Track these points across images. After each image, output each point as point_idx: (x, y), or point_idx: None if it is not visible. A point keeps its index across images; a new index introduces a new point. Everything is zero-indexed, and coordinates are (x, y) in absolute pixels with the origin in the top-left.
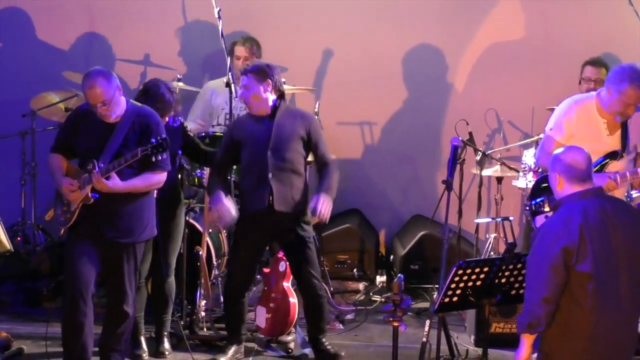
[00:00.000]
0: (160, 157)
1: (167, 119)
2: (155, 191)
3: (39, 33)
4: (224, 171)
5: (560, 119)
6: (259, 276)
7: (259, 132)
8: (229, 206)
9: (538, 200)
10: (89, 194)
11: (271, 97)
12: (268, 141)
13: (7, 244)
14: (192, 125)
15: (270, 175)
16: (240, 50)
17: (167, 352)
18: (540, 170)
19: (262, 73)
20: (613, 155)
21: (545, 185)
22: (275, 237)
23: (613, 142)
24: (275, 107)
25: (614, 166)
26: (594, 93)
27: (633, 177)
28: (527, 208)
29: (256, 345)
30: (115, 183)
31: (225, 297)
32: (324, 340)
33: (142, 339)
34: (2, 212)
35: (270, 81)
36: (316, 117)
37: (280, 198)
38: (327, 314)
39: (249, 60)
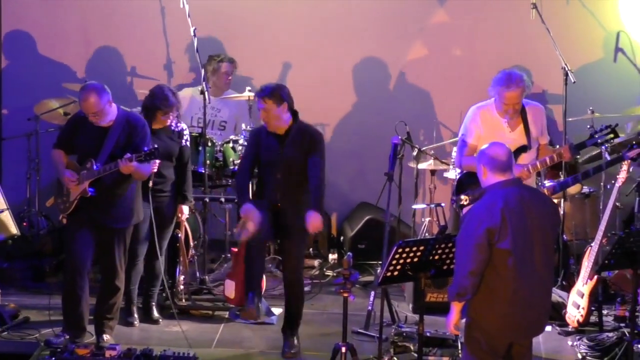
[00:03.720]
0: (154, 162)
1: (168, 122)
2: (151, 183)
3: (40, 49)
4: (247, 178)
5: (469, 125)
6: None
7: (273, 150)
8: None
9: (462, 195)
10: (87, 189)
11: (286, 117)
12: (279, 163)
13: (15, 229)
14: None
15: (278, 196)
16: (225, 67)
17: (160, 320)
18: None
19: (278, 97)
20: (523, 149)
21: (467, 181)
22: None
23: (517, 138)
24: (290, 126)
25: (522, 159)
26: (492, 99)
27: (542, 165)
28: (454, 202)
29: (228, 314)
30: (135, 165)
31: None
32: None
33: (134, 308)
34: (10, 201)
35: (286, 103)
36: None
37: (288, 212)
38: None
39: (231, 75)
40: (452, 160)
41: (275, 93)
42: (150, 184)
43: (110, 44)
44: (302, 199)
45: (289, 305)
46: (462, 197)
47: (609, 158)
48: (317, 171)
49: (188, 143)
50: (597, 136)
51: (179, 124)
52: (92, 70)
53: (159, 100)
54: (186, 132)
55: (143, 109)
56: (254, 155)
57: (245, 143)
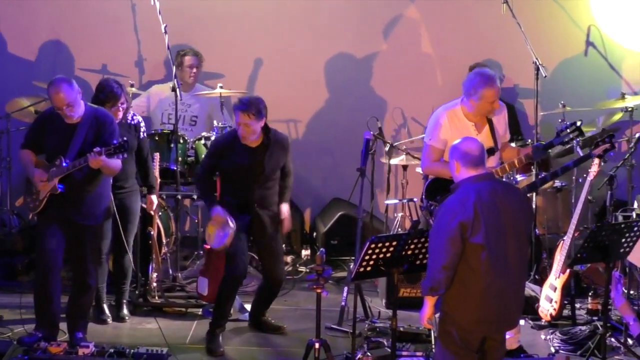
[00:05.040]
0: (121, 157)
1: (119, 114)
2: (111, 180)
3: (10, 48)
4: (212, 184)
5: (435, 130)
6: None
7: (247, 162)
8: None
9: (431, 202)
10: (56, 185)
11: (260, 130)
12: (255, 174)
13: None
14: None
15: (255, 205)
16: (189, 60)
17: (126, 317)
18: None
19: (259, 113)
20: (490, 152)
21: (435, 186)
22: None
23: (484, 139)
24: (262, 137)
25: (489, 161)
26: (458, 100)
27: (511, 168)
28: (423, 208)
29: (201, 311)
30: (104, 159)
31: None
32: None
33: (105, 306)
34: None
35: (264, 118)
36: None
37: (261, 223)
38: None
39: (196, 68)
40: None
41: (259, 109)
42: (110, 179)
43: (80, 42)
44: (275, 205)
45: (266, 303)
46: (432, 202)
47: (581, 153)
48: (290, 176)
49: (145, 135)
50: (563, 134)
51: (134, 117)
52: (62, 67)
53: (104, 94)
54: (143, 124)
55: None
56: (215, 166)
57: None
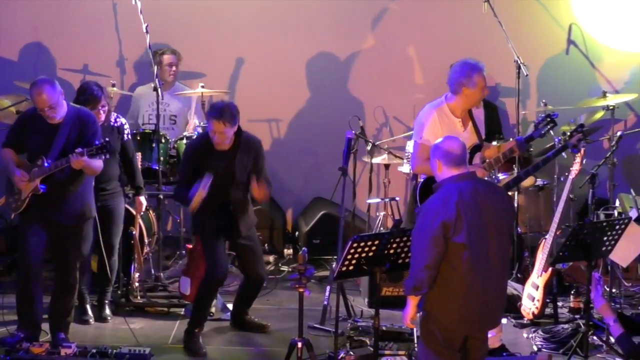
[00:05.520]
0: (103, 157)
1: (101, 116)
2: (93, 181)
3: None
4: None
5: (425, 127)
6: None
7: (223, 166)
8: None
9: None
10: (38, 186)
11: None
12: (230, 176)
13: None
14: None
15: (231, 207)
16: (168, 58)
17: (109, 317)
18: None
19: (234, 119)
20: (477, 148)
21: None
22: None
23: (469, 136)
24: (234, 141)
25: (476, 158)
26: (442, 98)
27: (496, 163)
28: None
29: (183, 311)
30: (86, 159)
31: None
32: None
33: (88, 306)
34: None
35: (238, 122)
36: None
37: (238, 224)
38: None
39: (175, 66)
40: (406, 154)
41: (233, 115)
42: (93, 180)
43: (62, 42)
44: (250, 206)
45: (248, 301)
46: None
47: (563, 153)
48: (266, 176)
49: (130, 137)
50: (540, 127)
51: (117, 119)
52: (44, 67)
53: (85, 96)
54: (127, 126)
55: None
56: (195, 171)
57: None
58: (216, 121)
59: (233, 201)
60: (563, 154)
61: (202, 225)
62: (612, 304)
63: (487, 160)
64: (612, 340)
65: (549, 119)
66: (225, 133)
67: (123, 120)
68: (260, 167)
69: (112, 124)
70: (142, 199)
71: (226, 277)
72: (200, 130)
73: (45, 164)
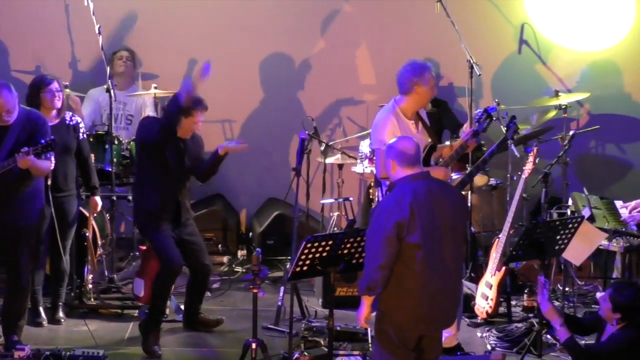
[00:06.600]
0: (48, 155)
1: (57, 103)
2: (49, 181)
3: None
4: None
5: (385, 132)
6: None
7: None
8: None
9: None
10: None
11: None
12: (184, 167)
13: None
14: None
15: (178, 197)
16: (120, 54)
17: (62, 320)
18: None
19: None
20: (433, 148)
21: None
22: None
23: (422, 137)
24: None
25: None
26: (391, 102)
27: (451, 160)
28: None
29: (137, 313)
30: (32, 159)
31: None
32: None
33: (41, 308)
34: None
35: None
36: None
37: (180, 214)
38: None
39: (127, 60)
40: (360, 154)
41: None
42: (49, 182)
43: (14, 43)
44: (189, 196)
45: (199, 297)
46: None
47: (514, 150)
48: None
49: (85, 136)
50: (482, 121)
51: (73, 117)
52: None
53: (36, 81)
54: (82, 125)
55: (27, 101)
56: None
57: None
58: (203, 111)
59: (181, 193)
60: (516, 152)
61: (149, 225)
62: (566, 303)
63: (442, 159)
64: (559, 345)
65: (486, 114)
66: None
67: (78, 119)
68: (202, 155)
69: (67, 122)
70: (98, 199)
71: (182, 266)
72: None
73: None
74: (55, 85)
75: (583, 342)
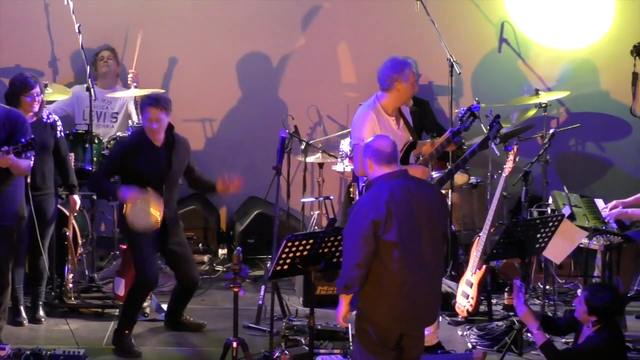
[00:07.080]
0: (28, 154)
1: (35, 106)
2: (29, 179)
3: None
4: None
5: (364, 129)
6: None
7: (158, 164)
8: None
9: None
10: None
11: None
12: (164, 175)
13: None
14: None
15: (164, 209)
16: (102, 54)
17: (42, 319)
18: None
19: (168, 106)
20: (413, 146)
21: None
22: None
23: (402, 134)
24: (166, 137)
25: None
26: (372, 98)
27: (431, 158)
28: None
29: (117, 312)
30: (12, 158)
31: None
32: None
33: (22, 308)
34: None
35: (170, 115)
36: None
37: (167, 227)
38: None
39: (109, 59)
40: (340, 153)
41: (168, 102)
42: (28, 179)
43: None
44: (176, 209)
45: (183, 303)
46: None
47: (495, 149)
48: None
49: (63, 134)
50: (465, 120)
51: (50, 116)
52: None
53: (18, 84)
54: (59, 123)
55: (6, 100)
56: (118, 169)
57: None
58: (152, 107)
59: (165, 205)
60: (496, 151)
61: (132, 233)
62: (546, 301)
63: (422, 157)
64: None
65: (469, 113)
66: (162, 120)
67: (56, 117)
68: (193, 165)
69: (44, 120)
70: (76, 197)
71: (157, 281)
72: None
73: None
74: (36, 90)
75: (562, 340)
